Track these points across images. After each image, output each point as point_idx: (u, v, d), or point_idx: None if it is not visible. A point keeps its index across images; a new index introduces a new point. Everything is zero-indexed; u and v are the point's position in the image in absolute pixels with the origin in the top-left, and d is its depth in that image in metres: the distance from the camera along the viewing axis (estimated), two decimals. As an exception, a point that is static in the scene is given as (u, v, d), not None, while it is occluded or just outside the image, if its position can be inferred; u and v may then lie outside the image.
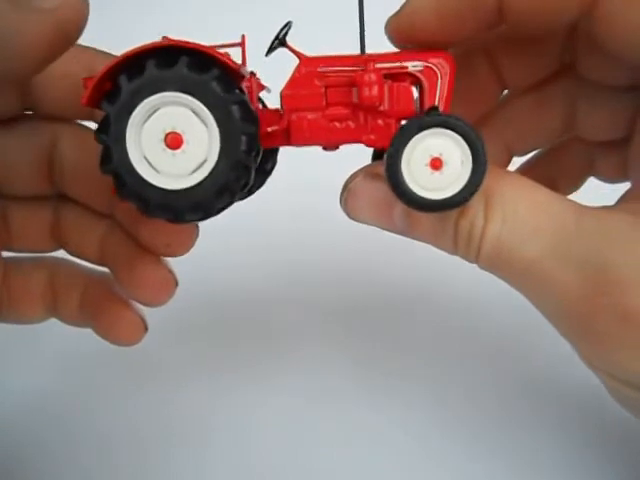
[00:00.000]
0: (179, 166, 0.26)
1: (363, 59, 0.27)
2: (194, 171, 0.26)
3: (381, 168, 0.28)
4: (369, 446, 0.38)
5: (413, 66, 0.28)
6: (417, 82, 0.28)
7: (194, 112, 0.26)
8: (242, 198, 0.32)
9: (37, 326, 0.35)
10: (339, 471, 0.37)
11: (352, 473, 0.37)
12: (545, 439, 0.37)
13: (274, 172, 0.33)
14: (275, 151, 0.32)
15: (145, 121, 0.26)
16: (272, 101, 0.30)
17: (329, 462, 0.37)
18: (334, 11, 0.44)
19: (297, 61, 0.28)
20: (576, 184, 0.37)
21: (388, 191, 0.27)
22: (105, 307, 0.34)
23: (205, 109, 0.25)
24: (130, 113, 0.26)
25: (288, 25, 0.28)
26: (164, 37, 0.27)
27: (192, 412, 0.40)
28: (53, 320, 0.35)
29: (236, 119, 0.26)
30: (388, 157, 0.26)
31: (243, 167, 0.26)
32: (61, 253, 0.35)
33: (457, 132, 0.26)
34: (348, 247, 0.49)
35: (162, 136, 0.26)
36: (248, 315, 0.46)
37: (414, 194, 0.26)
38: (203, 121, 0.26)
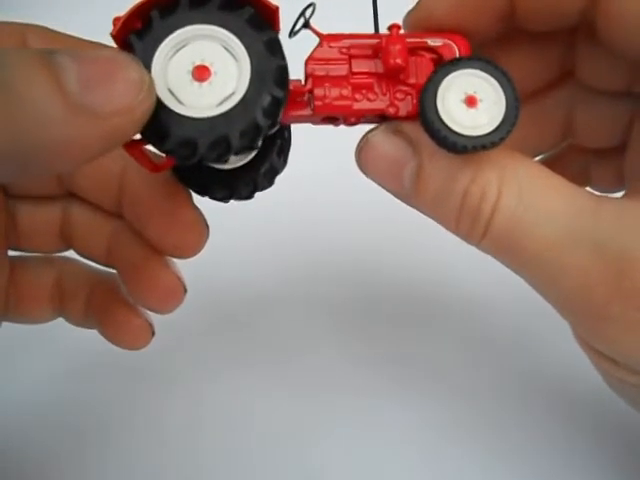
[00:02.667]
0: (205, 98, 0.25)
1: (385, 34, 0.29)
2: (220, 104, 0.25)
3: (404, 125, 0.28)
4: (369, 445, 0.38)
5: (433, 41, 0.29)
6: (435, 59, 0.29)
7: (224, 46, 0.25)
8: (248, 197, 0.31)
9: (37, 326, 0.35)
10: (339, 470, 0.37)
11: (352, 472, 0.37)
12: (545, 439, 0.38)
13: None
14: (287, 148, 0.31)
15: (173, 55, 0.25)
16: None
17: (330, 460, 0.37)
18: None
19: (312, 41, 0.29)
20: None
21: (405, 149, 0.27)
22: (112, 310, 0.33)
23: (236, 40, 0.25)
24: (158, 45, 0.25)
25: (312, 6, 0.30)
26: None
27: (192, 410, 0.40)
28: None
29: (267, 54, 0.25)
30: (423, 93, 0.26)
31: (274, 100, 0.25)
32: (69, 254, 0.35)
33: (489, 74, 0.26)
34: (348, 245, 0.48)
35: (190, 68, 0.25)
36: (249, 313, 0.45)
37: (450, 130, 0.26)
38: (233, 55, 0.25)
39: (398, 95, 0.28)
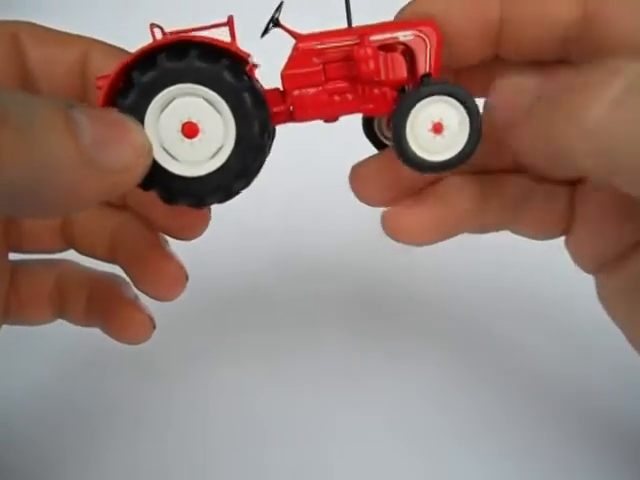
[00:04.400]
0: (197, 153, 0.27)
1: (358, 33, 0.29)
2: (212, 157, 0.27)
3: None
4: (369, 444, 0.38)
5: (404, 36, 0.29)
6: (407, 50, 0.30)
7: (208, 101, 0.27)
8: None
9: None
10: (339, 469, 0.37)
11: (352, 471, 0.37)
12: (545, 438, 0.38)
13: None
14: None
15: (161, 113, 0.27)
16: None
17: (331, 457, 0.38)
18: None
19: (289, 40, 0.30)
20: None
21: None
22: (113, 307, 0.35)
23: (219, 98, 0.27)
24: (147, 105, 0.27)
25: (281, 5, 0.30)
26: (153, 25, 0.28)
27: (193, 407, 0.41)
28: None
29: (248, 106, 0.27)
30: (393, 126, 0.28)
31: (258, 149, 0.28)
32: (70, 255, 0.36)
33: (453, 97, 0.28)
34: (349, 242, 0.49)
35: (179, 126, 0.27)
36: (249, 307, 0.47)
37: (418, 157, 0.28)
38: (217, 109, 0.27)
39: (374, 92, 0.30)
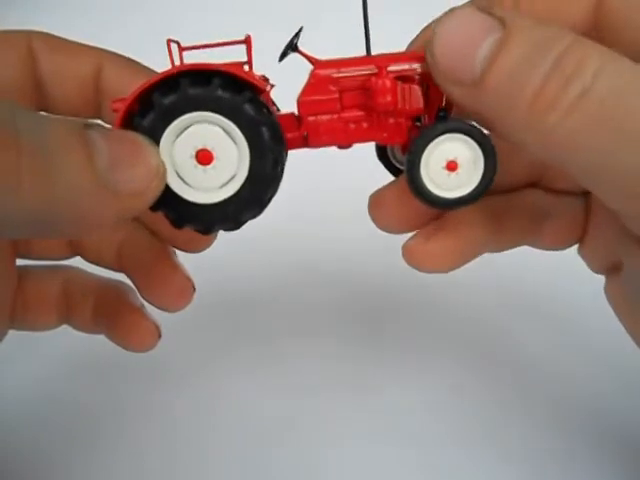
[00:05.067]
0: (210, 181, 0.27)
1: (376, 62, 0.29)
2: (224, 186, 0.27)
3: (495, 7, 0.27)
4: (369, 446, 0.39)
5: (422, 66, 0.29)
6: (424, 80, 0.30)
7: (225, 130, 0.27)
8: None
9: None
10: (339, 470, 0.38)
11: (352, 473, 0.38)
12: (544, 441, 0.38)
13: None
14: None
15: (177, 137, 0.27)
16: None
17: (333, 463, 0.38)
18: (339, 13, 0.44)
19: (308, 65, 0.29)
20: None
21: (490, 21, 0.25)
22: (119, 315, 0.35)
23: (236, 129, 0.27)
24: (164, 129, 0.27)
25: (300, 31, 0.29)
26: (171, 41, 0.28)
27: (196, 412, 0.41)
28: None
29: (265, 139, 0.27)
30: (408, 163, 0.28)
31: (271, 180, 0.28)
32: (76, 262, 0.36)
33: (469, 135, 0.28)
34: (348, 248, 0.50)
35: (193, 152, 0.27)
36: (250, 316, 0.47)
37: (431, 194, 0.28)
38: (233, 139, 0.27)
39: (390, 121, 0.30)
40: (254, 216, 0.28)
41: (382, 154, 0.34)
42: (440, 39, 0.26)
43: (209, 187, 0.27)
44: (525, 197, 0.34)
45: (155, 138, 0.26)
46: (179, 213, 0.28)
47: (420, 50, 0.30)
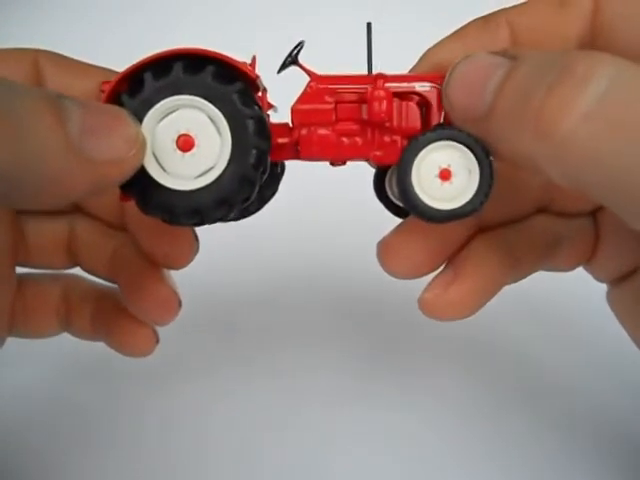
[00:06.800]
0: (186, 168, 0.26)
1: (373, 78, 0.28)
2: (199, 176, 0.26)
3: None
4: (370, 447, 0.39)
5: (421, 86, 0.29)
6: (423, 102, 0.29)
7: (210, 119, 0.26)
8: (239, 218, 0.32)
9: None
10: (339, 472, 0.38)
11: (352, 474, 0.38)
12: (545, 446, 0.38)
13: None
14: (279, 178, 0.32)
15: (160, 120, 0.26)
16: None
17: (332, 468, 0.38)
18: (341, 31, 0.46)
19: (306, 78, 0.29)
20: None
21: (500, 58, 0.26)
22: (118, 322, 0.35)
23: (223, 118, 0.26)
24: (149, 108, 0.26)
25: (301, 44, 0.29)
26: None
27: (192, 414, 0.41)
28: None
29: (250, 133, 0.26)
30: (398, 171, 0.27)
31: (248, 181, 0.26)
32: (76, 272, 0.36)
33: (462, 143, 0.27)
34: (347, 255, 0.49)
35: (175, 137, 0.26)
36: (247, 322, 0.46)
37: (426, 206, 0.27)
38: (217, 129, 0.26)
39: (385, 139, 0.29)
40: (223, 215, 0.27)
41: (381, 194, 0.32)
42: (454, 80, 0.27)
43: (184, 175, 0.26)
44: (536, 225, 0.33)
45: (139, 116, 0.26)
46: (148, 197, 0.26)
47: (421, 72, 0.29)
